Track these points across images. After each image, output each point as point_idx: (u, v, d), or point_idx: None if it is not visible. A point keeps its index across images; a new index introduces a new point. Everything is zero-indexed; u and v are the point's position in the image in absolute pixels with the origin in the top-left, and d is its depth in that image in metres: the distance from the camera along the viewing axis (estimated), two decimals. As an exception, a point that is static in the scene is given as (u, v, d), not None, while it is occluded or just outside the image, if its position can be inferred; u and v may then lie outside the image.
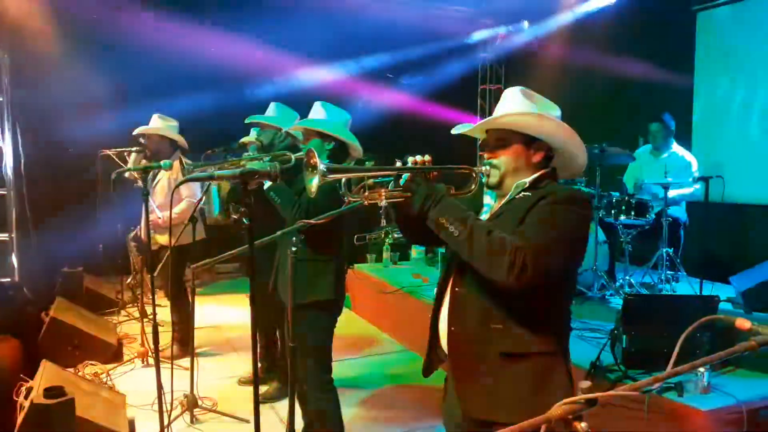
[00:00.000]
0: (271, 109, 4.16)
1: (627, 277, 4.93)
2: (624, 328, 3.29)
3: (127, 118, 5.36)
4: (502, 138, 1.87)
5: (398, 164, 1.80)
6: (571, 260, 1.81)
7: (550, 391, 1.76)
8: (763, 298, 4.15)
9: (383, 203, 1.77)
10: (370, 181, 1.80)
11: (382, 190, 1.77)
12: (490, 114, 1.97)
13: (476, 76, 9.53)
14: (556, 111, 1.90)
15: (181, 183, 1.78)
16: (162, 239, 4.74)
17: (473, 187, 1.98)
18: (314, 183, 1.76)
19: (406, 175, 1.79)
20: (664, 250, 4.90)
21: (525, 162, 1.86)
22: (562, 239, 1.71)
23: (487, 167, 1.88)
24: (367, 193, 1.78)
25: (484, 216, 1.93)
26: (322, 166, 1.73)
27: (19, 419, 2.94)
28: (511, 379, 1.78)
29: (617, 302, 4.62)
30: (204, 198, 4.49)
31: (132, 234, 5.98)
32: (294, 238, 2.49)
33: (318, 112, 3.09)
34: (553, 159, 1.91)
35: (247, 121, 4.39)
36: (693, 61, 6.34)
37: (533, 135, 1.84)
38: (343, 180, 1.84)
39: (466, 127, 1.98)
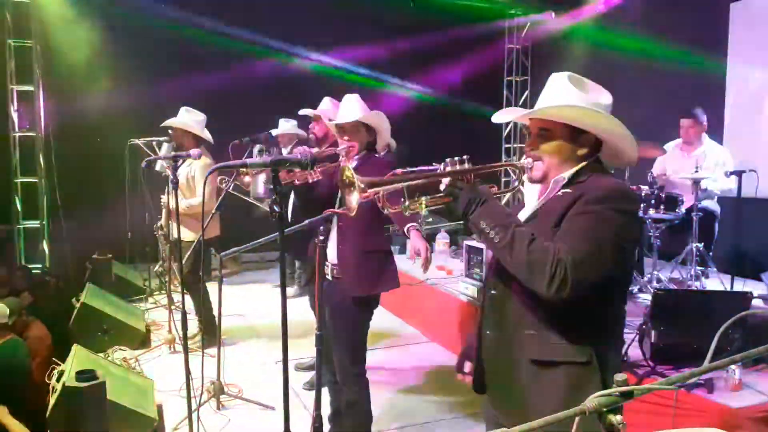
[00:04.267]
0: (325, 103, 4.17)
1: (655, 272, 4.86)
2: (653, 323, 3.24)
3: (159, 107, 5.44)
4: (545, 129, 1.75)
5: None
6: (615, 266, 1.62)
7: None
8: (797, 296, 4.06)
9: (425, 212, 1.72)
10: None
11: (423, 199, 1.71)
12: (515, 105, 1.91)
13: (502, 67, 9.44)
14: (606, 99, 1.77)
15: (214, 170, 1.78)
16: (182, 232, 4.73)
17: (517, 183, 1.93)
18: (354, 200, 1.70)
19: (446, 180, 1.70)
20: (694, 245, 4.82)
21: (570, 155, 1.74)
22: (603, 247, 1.57)
23: (530, 160, 1.77)
24: (408, 203, 1.72)
25: (525, 213, 1.82)
26: (359, 183, 1.66)
27: (51, 401, 3.01)
28: (540, 388, 1.68)
29: (645, 297, 4.56)
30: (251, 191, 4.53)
31: (160, 222, 6.06)
32: (321, 228, 2.50)
33: (351, 103, 3.08)
34: (600, 149, 1.78)
35: (301, 112, 4.44)
36: (726, 54, 6.20)
37: (578, 127, 1.72)
38: (382, 193, 1.75)
39: (506, 114, 1.89)
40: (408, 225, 2.91)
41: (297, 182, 2.76)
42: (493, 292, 1.81)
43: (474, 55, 8.67)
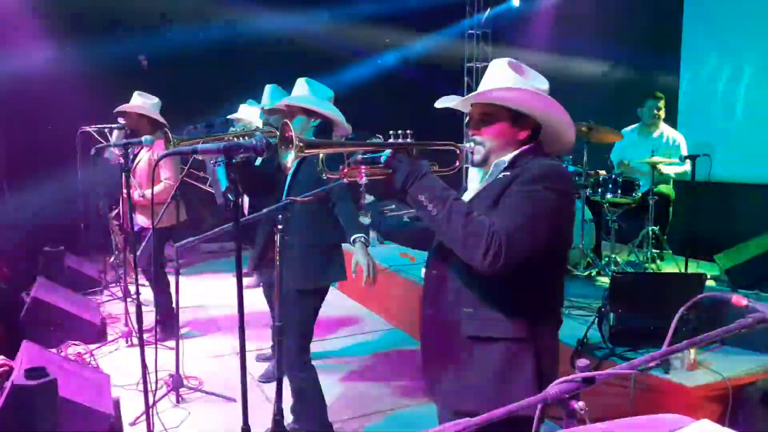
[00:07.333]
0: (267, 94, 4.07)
1: (613, 255, 4.95)
2: (611, 305, 3.29)
3: (109, 94, 5.25)
4: (487, 113, 1.78)
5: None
6: (548, 241, 1.66)
7: (514, 380, 1.69)
8: (748, 276, 4.18)
9: (363, 181, 1.69)
10: (359, 156, 1.73)
11: (362, 167, 1.69)
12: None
13: (462, 53, 9.43)
14: (544, 84, 1.81)
15: (163, 156, 1.72)
16: (142, 220, 4.64)
17: (458, 164, 1.92)
18: (290, 158, 1.68)
19: (387, 152, 1.70)
20: (650, 228, 4.92)
21: (511, 139, 1.77)
22: (535, 221, 1.62)
23: (471, 144, 1.80)
24: (346, 170, 1.70)
25: (467, 196, 1.85)
26: (297, 140, 1.65)
27: (0, 401, 2.88)
28: (476, 365, 1.72)
29: (603, 281, 4.64)
30: (210, 180, 4.40)
31: (114, 212, 5.87)
32: (280, 216, 2.45)
33: (301, 88, 3.03)
34: (539, 134, 1.82)
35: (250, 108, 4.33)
36: (680, 39, 6.31)
37: (520, 111, 1.75)
38: (322, 156, 1.76)
39: (450, 99, 1.89)
40: (355, 235, 2.73)
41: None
42: (434, 272, 1.84)
43: (434, 41, 8.66)
